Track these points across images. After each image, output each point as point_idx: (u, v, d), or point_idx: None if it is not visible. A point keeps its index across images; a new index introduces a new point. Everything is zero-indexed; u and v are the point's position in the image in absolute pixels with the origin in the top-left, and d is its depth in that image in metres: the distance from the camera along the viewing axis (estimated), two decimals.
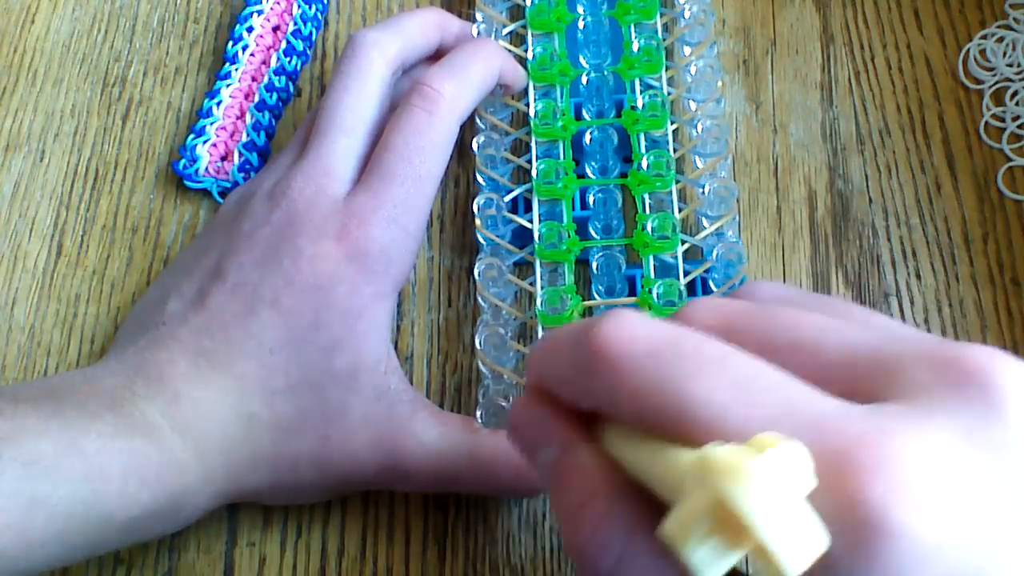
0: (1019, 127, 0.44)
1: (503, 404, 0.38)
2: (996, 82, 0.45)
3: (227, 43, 0.47)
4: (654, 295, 0.38)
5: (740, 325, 0.24)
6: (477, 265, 0.40)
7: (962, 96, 0.45)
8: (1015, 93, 0.45)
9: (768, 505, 0.19)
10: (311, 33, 0.48)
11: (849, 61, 0.46)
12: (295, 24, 0.47)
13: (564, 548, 0.25)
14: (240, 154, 0.44)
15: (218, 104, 0.45)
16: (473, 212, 0.41)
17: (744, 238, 0.43)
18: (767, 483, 0.19)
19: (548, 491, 0.27)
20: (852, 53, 0.46)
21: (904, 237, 0.43)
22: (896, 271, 0.42)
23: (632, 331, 0.23)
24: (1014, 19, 0.46)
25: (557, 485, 0.25)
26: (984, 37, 0.46)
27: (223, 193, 0.44)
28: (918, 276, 0.42)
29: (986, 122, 0.44)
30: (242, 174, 0.44)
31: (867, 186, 0.44)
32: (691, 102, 0.43)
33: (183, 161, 0.44)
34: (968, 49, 0.46)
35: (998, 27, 0.46)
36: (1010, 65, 0.45)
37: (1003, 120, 0.44)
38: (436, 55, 0.43)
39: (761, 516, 0.18)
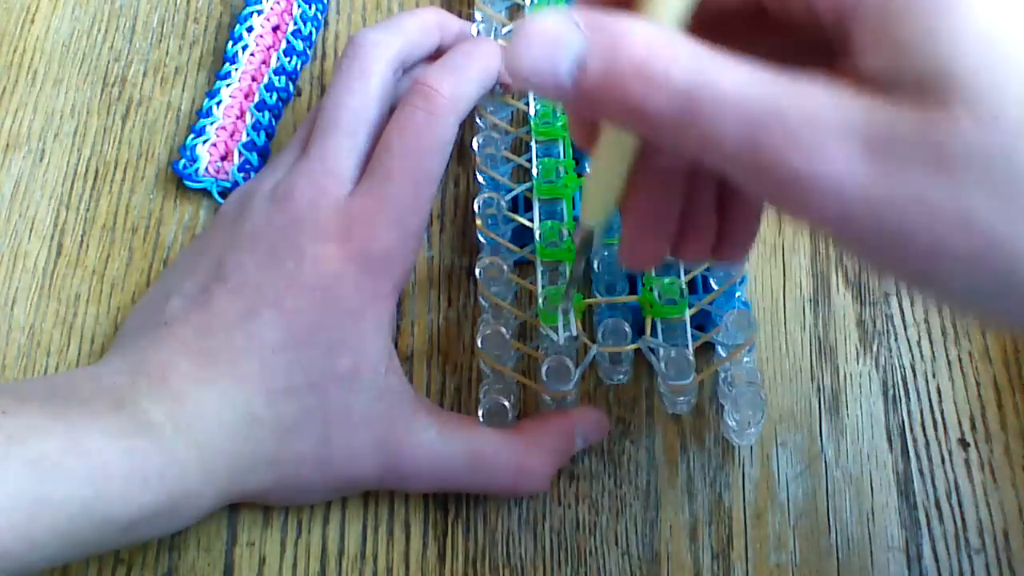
0: None
1: (504, 403, 0.38)
2: None
3: (227, 43, 0.47)
4: (655, 293, 0.38)
5: None
6: (478, 264, 0.40)
7: None
8: None
9: None
10: (311, 33, 0.48)
11: None
12: (295, 24, 0.47)
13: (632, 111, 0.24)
14: (240, 154, 0.44)
15: (218, 104, 0.45)
16: (473, 211, 0.41)
17: None
18: None
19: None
20: None
21: None
22: None
23: None
24: None
25: (611, 47, 0.24)
26: None
27: (223, 193, 0.44)
28: None
29: None
30: (242, 174, 0.44)
31: None
32: None
33: (183, 161, 0.44)
34: None
35: None
36: None
37: None
38: (436, 55, 0.43)
39: None
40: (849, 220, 0.23)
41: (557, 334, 0.37)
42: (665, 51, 0.23)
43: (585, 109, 0.27)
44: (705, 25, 0.25)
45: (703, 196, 0.30)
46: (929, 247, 0.22)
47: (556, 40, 0.24)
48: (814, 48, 0.24)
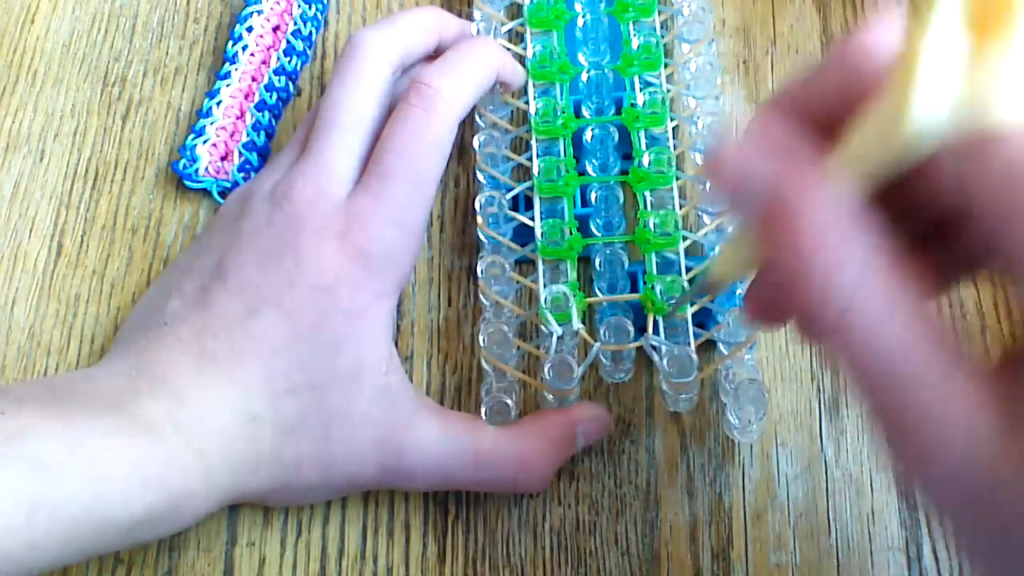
0: None
1: (507, 401, 0.38)
2: None
3: (227, 43, 0.47)
4: (657, 292, 0.38)
5: None
6: (479, 263, 0.40)
7: None
8: None
9: None
10: (311, 33, 0.48)
11: None
12: (295, 24, 0.47)
13: (791, 294, 0.24)
14: (240, 154, 0.44)
15: (218, 104, 0.45)
16: (474, 210, 0.41)
17: None
18: None
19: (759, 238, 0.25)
20: None
21: None
22: None
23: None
24: None
25: (782, 224, 0.24)
26: None
27: (223, 193, 0.44)
28: None
29: None
30: (242, 174, 0.44)
31: None
32: (690, 99, 0.43)
33: (183, 161, 0.44)
34: None
35: None
36: None
37: None
38: (435, 54, 0.43)
39: None
40: (966, 509, 0.22)
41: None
42: (833, 254, 0.23)
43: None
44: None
45: None
46: None
47: (741, 194, 0.25)
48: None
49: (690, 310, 0.38)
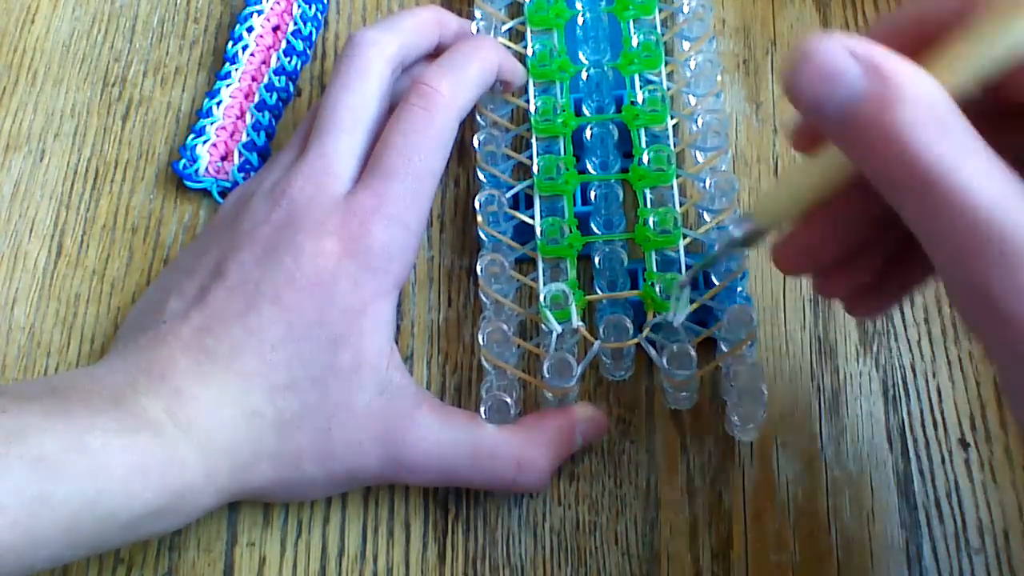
0: None
1: (506, 400, 0.38)
2: None
3: (227, 43, 0.47)
4: (656, 289, 0.38)
5: None
6: (479, 261, 0.40)
7: None
8: None
9: None
10: (311, 33, 0.48)
11: None
12: (295, 24, 0.47)
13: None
14: (240, 154, 0.44)
15: (218, 104, 0.45)
16: (474, 210, 0.41)
17: None
18: None
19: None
20: None
21: None
22: None
23: None
24: None
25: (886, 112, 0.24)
26: None
27: (223, 193, 0.44)
28: None
29: None
30: (242, 174, 0.44)
31: None
32: (691, 97, 0.43)
33: (183, 161, 0.44)
34: None
35: None
36: None
37: None
38: (435, 53, 0.43)
39: None
40: None
41: (674, 315, 0.38)
42: (932, 130, 0.24)
43: (832, 136, 0.27)
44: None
45: (874, 250, 0.31)
46: None
47: (834, 76, 0.24)
48: None
49: (689, 308, 0.38)
